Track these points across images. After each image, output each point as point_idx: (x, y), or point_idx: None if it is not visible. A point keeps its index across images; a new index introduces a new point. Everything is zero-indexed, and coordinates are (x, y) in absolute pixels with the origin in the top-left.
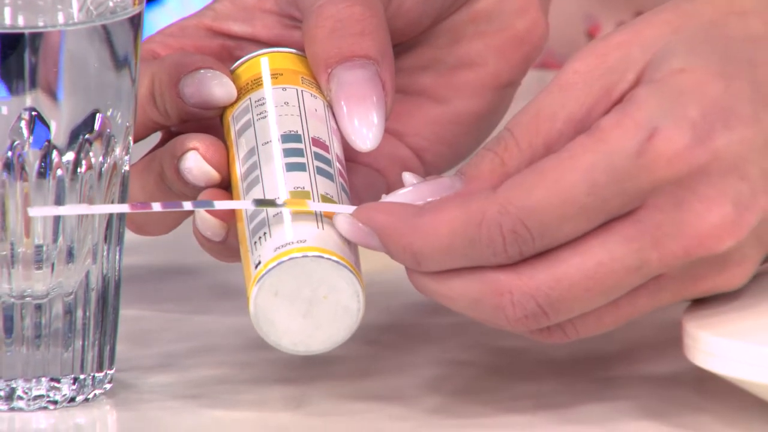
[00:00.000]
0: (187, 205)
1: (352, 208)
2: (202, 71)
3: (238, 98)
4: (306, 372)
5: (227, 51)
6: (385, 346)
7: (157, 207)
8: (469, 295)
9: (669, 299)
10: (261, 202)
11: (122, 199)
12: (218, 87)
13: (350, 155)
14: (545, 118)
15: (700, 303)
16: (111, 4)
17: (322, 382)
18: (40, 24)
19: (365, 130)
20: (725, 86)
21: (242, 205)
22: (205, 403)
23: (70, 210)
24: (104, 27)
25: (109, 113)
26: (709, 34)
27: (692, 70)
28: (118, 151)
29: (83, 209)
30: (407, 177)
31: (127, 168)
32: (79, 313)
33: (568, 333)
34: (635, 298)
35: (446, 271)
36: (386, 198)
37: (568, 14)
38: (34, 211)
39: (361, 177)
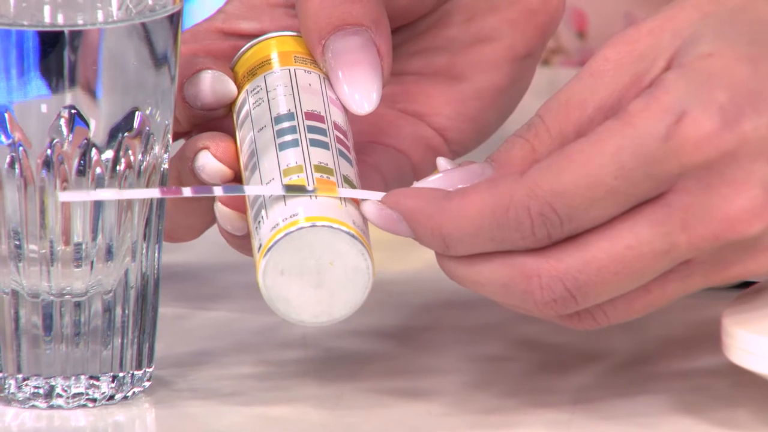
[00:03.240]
0: (218, 190)
1: (380, 195)
2: (201, 73)
3: (239, 92)
4: (343, 370)
5: (238, 50)
6: (421, 344)
7: (187, 192)
8: (498, 280)
9: (699, 284)
10: (291, 188)
11: (162, 198)
12: (217, 86)
13: (373, 137)
14: (576, 105)
15: (741, 300)
16: (150, 2)
17: (359, 380)
18: (80, 22)
19: (362, 95)
20: (753, 69)
21: (271, 190)
22: (244, 400)
23: (101, 195)
24: (143, 25)
25: (148, 111)
26: (738, 18)
27: (720, 53)
28: (157, 149)
29: (114, 194)
30: (441, 161)
31: (166, 166)
32: (118, 311)
33: (598, 319)
34: (665, 283)
35: (475, 255)
36: (417, 184)
37: (607, 13)
38: (64, 196)
39: (386, 158)
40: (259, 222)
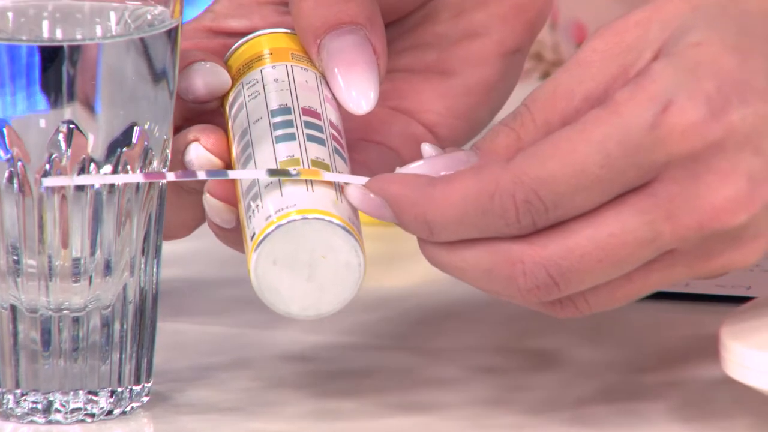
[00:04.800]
0: (201, 174)
1: (364, 179)
2: (194, 65)
3: (233, 85)
4: (343, 384)
5: (228, 49)
6: (420, 358)
7: (171, 176)
8: (481, 266)
9: (682, 275)
10: (275, 172)
11: (160, 213)
12: (210, 77)
13: (363, 134)
14: (562, 95)
15: (738, 315)
16: (149, 17)
17: (359, 394)
18: (79, 37)
19: (359, 95)
20: (741, 60)
21: (257, 174)
22: (242, 416)
23: (84, 180)
24: (142, 40)
25: (146, 126)
26: (726, 10)
27: (708, 43)
28: (155, 164)
29: (97, 179)
30: (426, 148)
31: (164, 180)
32: (117, 326)
33: (580, 307)
34: (648, 273)
35: (458, 241)
36: (400, 170)
37: (607, 14)
38: (48, 182)
39: (375, 155)
40: (254, 211)
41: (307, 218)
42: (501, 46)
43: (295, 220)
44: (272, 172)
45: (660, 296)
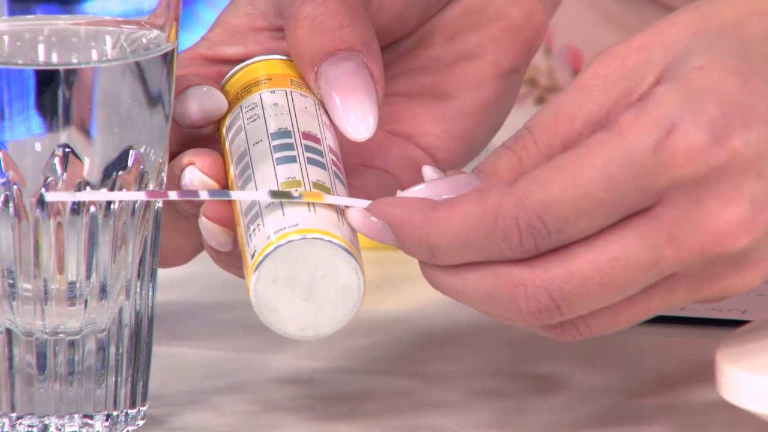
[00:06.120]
0: (203, 194)
1: (366, 203)
2: (190, 89)
3: (230, 109)
4: (340, 408)
5: (224, 76)
6: (417, 382)
7: (173, 195)
8: (483, 289)
9: (684, 299)
10: (277, 194)
11: (155, 236)
12: (206, 100)
13: (361, 159)
14: (564, 118)
15: (734, 338)
16: (144, 40)
17: (356, 418)
18: (74, 60)
19: (359, 120)
20: (743, 84)
21: (259, 196)
22: None
23: (86, 196)
24: (137, 64)
25: (142, 150)
26: (728, 34)
27: (710, 67)
28: (151, 187)
29: (99, 195)
30: (427, 171)
31: (160, 204)
32: (112, 349)
33: (581, 330)
34: (650, 296)
35: (460, 265)
36: (401, 194)
37: (602, 40)
38: (51, 196)
39: (374, 180)
40: (254, 230)
41: (310, 238)
42: (496, 67)
43: (297, 240)
44: (274, 194)
45: (656, 320)
